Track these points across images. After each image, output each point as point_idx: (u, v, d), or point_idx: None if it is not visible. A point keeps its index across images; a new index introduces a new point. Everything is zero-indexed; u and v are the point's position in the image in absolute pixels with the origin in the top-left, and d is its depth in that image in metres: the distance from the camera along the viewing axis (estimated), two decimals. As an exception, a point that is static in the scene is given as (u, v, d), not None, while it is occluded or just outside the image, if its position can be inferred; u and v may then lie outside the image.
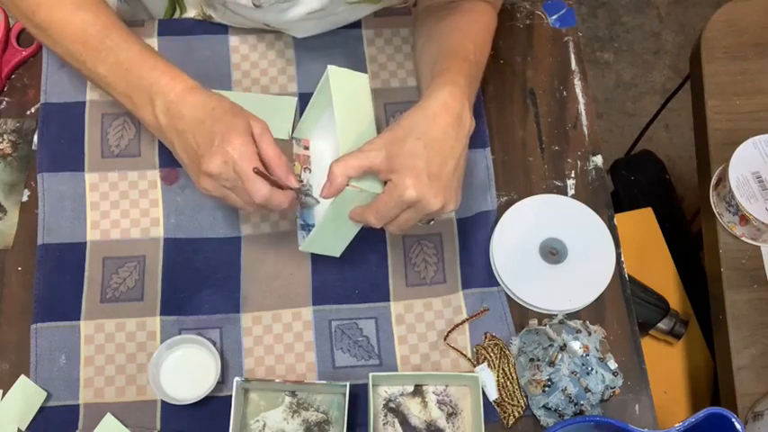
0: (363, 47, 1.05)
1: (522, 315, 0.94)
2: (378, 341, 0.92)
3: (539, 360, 0.87)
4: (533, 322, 0.93)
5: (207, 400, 0.87)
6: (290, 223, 0.95)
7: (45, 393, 0.87)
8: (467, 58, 0.88)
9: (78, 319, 0.90)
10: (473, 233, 0.97)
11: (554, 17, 1.10)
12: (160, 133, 0.84)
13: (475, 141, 0.93)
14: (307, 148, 0.96)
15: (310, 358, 0.91)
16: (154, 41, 1.02)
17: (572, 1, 1.11)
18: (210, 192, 0.81)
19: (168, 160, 0.95)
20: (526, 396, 0.89)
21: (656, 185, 1.56)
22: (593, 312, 0.95)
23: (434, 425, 0.90)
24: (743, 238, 1.09)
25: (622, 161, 1.62)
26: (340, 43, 1.04)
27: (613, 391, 0.87)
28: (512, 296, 0.95)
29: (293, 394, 0.89)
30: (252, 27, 1.03)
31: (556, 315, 0.92)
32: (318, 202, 0.86)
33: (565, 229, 0.97)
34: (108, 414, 0.87)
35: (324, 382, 0.88)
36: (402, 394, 0.90)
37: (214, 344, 0.90)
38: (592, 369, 0.86)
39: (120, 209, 0.95)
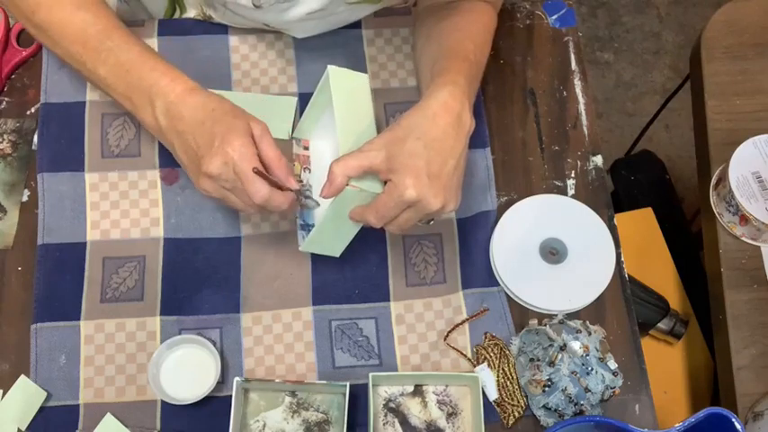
0: (363, 47, 1.05)
1: (522, 315, 0.94)
2: (378, 341, 0.92)
3: (539, 360, 0.87)
4: (533, 322, 0.93)
5: (207, 400, 0.87)
6: (290, 223, 0.95)
7: (45, 393, 0.87)
8: (467, 58, 0.88)
9: (78, 319, 0.90)
10: (473, 233, 0.97)
11: (554, 17, 1.10)
12: (160, 135, 0.84)
13: (475, 141, 0.93)
14: (306, 147, 0.96)
15: (310, 358, 0.91)
16: (154, 41, 1.02)
17: (572, 1, 1.11)
18: (210, 193, 0.81)
19: (168, 160, 0.95)
20: (526, 396, 0.89)
21: (656, 185, 1.56)
22: (593, 312, 0.95)
23: (434, 425, 0.90)
24: (743, 238, 1.09)
25: (622, 161, 1.62)
26: (340, 43, 1.04)
27: (613, 391, 0.87)
28: (512, 296, 0.95)
29: (293, 394, 0.89)
30: (252, 27, 1.03)
31: (556, 315, 0.92)
32: (318, 205, 0.86)
33: (565, 229, 0.97)
34: (108, 414, 0.87)
35: (324, 382, 0.88)
36: (402, 394, 0.90)
37: (214, 344, 0.90)
38: (592, 369, 0.86)
39: (120, 209, 0.95)
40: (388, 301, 0.94)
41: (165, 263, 0.93)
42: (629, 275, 0.98)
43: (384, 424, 0.89)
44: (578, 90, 1.06)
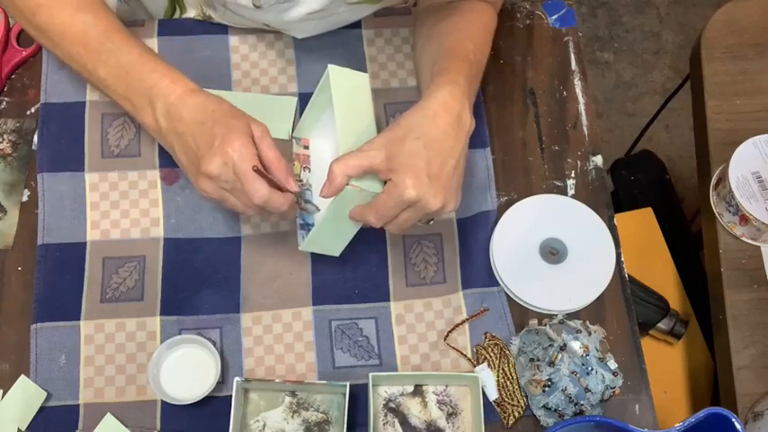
0: (363, 47, 1.05)
1: (522, 315, 0.94)
2: (378, 341, 0.92)
3: (539, 360, 0.87)
4: (533, 322, 0.93)
5: (207, 400, 0.87)
6: (290, 223, 0.95)
7: (45, 393, 0.87)
8: (467, 57, 0.88)
9: (78, 319, 0.90)
10: (473, 233, 0.97)
11: (554, 17, 1.10)
12: (160, 136, 0.84)
13: (475, 141, 0.93)
14: (306, 147, 0.97)
15: (310, 358, 0.91)
16: (154, 41, 1.02)
17: (572, 1, 1.11)
18: (209, 193, 0.81)
19: (168, 160, 0.95)
20: (526, 396, 0.89)
21: (656, 185, 1.56)
22: (593, 312, 0.95)
23: (434, 425, 0.90)
24: (743, 238, 1.09)
25: (622, 161, 1.62)
26: (340, 43, 1.04)
27: (613, 391, 0.87)
28: (512, 296, 0.95)
29: (293, 394, 0.89)
30: (252, 27, 1.03)
31: (556, 315, 0.92)
32: (318, 210, 0.86)
33: (565, 229, 0.97)
34: (108, 414, 0.87)
35: (324, 382, 0.88)
36: (402, 394, 0.90)
37: (214, 344, 0.90)
38: (592, 369, 0.86)
39: (120, 209, 0.95)
40: (388, 301, 0.94)
41: (165, 263, 0.93)
42: (629, 275, 0.98)
43: (384, 424, 0.89)
44: (578, 90, 1.06)
